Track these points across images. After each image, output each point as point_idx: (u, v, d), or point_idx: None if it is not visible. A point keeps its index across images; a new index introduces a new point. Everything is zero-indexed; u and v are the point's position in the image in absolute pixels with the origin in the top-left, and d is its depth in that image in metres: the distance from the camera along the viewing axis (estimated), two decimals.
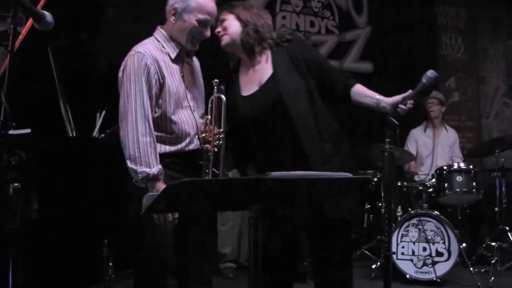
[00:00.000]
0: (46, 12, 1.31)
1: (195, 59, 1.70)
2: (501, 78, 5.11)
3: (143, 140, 1.44)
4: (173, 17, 1.55)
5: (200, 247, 1.58)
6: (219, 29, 1.68)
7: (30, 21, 1.70)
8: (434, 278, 2.88)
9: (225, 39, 1.65)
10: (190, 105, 1.60)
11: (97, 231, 2.06)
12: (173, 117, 1.53)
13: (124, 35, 2.47)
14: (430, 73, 1.58)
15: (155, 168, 1.45)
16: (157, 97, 1.51)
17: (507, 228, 3.22)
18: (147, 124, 1.46)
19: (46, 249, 2.05)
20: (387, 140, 1.47)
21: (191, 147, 1.59)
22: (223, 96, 1.56)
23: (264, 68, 1.65)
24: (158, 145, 1.50)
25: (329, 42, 4.36)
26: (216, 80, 1.57)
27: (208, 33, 1.57)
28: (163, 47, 1.56)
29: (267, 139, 1.63)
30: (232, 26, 1.65)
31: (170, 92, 1.52)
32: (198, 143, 1.60)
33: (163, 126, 1.54)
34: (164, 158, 1.52)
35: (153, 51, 1.52)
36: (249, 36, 1.62)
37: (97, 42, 2.82)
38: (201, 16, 1.53)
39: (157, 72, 1.50)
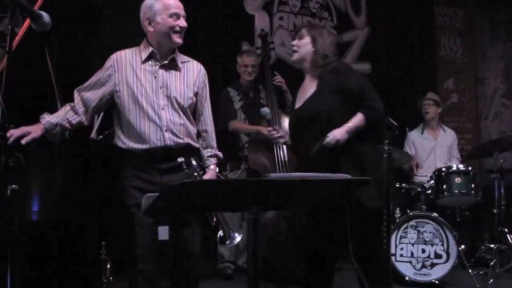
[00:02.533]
0: (43, 13, 1.30)
1: (192, 64, 1.83)
2: (500, 79, 5.11)
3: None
4: (150, 26, 1.74)
5: (183, 244, 1.71)
6: (295, 42, 2.04)
7: (27, 21, 1.69)
8: (433, 280, 2.87)
9: (295, 56, 2.04)
10: (160, 103, 1.71)
11: (95, 233, 2.05)
12: (130, 114, 1.71)
13: (122, 35, 2.47)
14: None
15: (45, 117, 1.72)
16: (112, 88, 1.74)
17: (506, 230, 3.22)
18: (74, 97, 1.78)
19: (44, 251, 2.04)
20: (386, 141, 1.47)
21: (150, 145, 1.70)
22: None
23: (310, 87, 1.99)
24: (124, 140, 1.73)
25: None
26: None
27: (183, 22, 1.73)
28: (140, 51, 1.77)
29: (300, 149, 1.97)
30: (305, 47, 2.00)
31: (127, 88, 1.72)
32: (163, 139, 1.70)
33: (123, 120, 1.74)
34: (128, 154, 1.73)
35: (124, 54, 1.76)
36: (317, 60, 1.97)
37: (95, 42, 2.81)
38: (170, 12, 1.72)
39: (114, 69, 1.74)
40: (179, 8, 1.74)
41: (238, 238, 1.59)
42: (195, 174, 1.63)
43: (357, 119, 1.86)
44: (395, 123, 1.49)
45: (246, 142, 3.05)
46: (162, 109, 1.71)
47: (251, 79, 3.10)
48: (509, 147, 3.30)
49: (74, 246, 2.02)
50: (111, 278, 1.98)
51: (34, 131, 1.64)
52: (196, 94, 1.81)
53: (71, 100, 1.81)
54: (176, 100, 1.73)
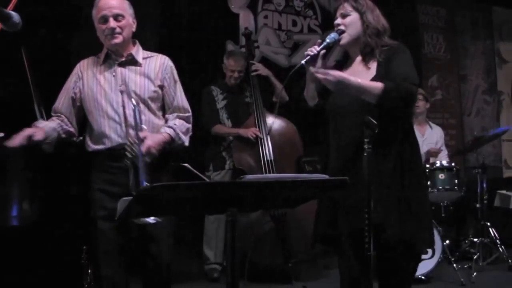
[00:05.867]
0: (13, 13, 1.27)
1: (156, 59, 1.79)
2: (481, 76, 5.20)
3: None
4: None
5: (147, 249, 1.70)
6: (339, 21, 1.67)
7: None
8: (419, 276, 2.90)
9: (345, 38, 1.67)
10: (119, 101, 1.71)
11: (75, 237, 2.01)
12: (92, 116, 1.74)
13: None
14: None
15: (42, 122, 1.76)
16: (79, 95, 1.78)
17: (489, 224, 3.28)
18: (53, 114, 1.81)
19: (24, 255, 1.99)
20: (366, 140, 1.46)
21: (112, 144, 1.70)
22: None
23: (365, 71, 1.66)
24: (89, 143, 1.75)
25: (311, 41, 4.36)
26: None
27: (110, 24, 1.70)
28: (100, 55, 1.79)
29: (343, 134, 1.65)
30: (354, 26, 1.66)
31: (88, 91, 1.74)
32: (124, 136, 1.68)
33: (89, 124, 1.76)
34: (93, 157, 1.74)
35: (87, 61, 1.80)
36: (370, 39, 1.65)
37: (74, 42, 2.76)
38: (98, 17, 1.72)
39: (79, 76, 1.78)
40: (107, 9, 1.70)
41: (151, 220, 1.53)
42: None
43: (371, 83, 1.56)
44: (375, 122, 1.47)
45: (231, 142, 3.03)
46: (122, 106, 1.70)
47: (236, 82, 3.09)
48: (487, 141, 3.36)
49: (54, 251, 1.97)
50: (92, 283, 1.95)
51: (38, 133, 1.62)
52: (161, 87, 1.77)
53: (49, 101, 1.79)
54: (136, 95, 1.71)
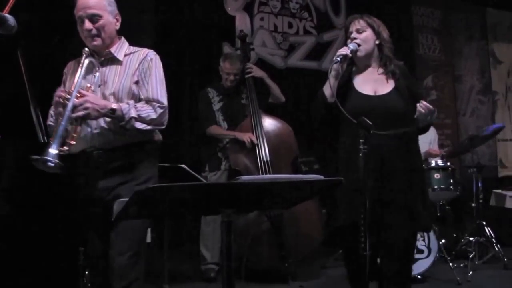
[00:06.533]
0: (8, 16, 1.27)
1: (138, 54, 1.69)
2: (476, 77, 5.24)
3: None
4: None
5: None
6: (355, 35, 1.89)
7: None
8: (416, 275, 2.92)
9: (361, 51, 1.89)
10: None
11: (72, 239, 2.00)
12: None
13: None
14: None
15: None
16: None
17: (484, 223, 3.30)
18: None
19: (21, 257, 1.98)
20: (361, 140, 1.48)
21: (85, 148, 1.60)
22: None
23: (383, 81, 1.90)
24: (65, 147, 1.58)
25: (307, 43, 4.39)
26: None
27: (86, 25, 1.63)
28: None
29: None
30: (370, 42, 1.89)
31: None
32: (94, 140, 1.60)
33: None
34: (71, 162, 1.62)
35: (74, 62, 1.73)
36: (390, 53, 1.91)
37: (69, 45, 2.76)
38: (76, 17, 1.65)
39: (67, 77, 1.73)
40: (82, 9, 1.63)
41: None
42: None
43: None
44: (370, 122, 1.49)
45: (227, 143, 3.04)
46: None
47: (232, 85, 3.10)
48: (483, 141, 3.38)
49: (51, 252, 1.97)
50: (89, 285, 1.94)
51: None
52: (136, 83, 1.66)
53: (45, 104, 1.77)
54: (114, 95, 1.62)
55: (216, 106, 3.09)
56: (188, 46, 3.78)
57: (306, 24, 4.38)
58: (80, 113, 1.50)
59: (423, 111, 1.71)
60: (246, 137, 2.91)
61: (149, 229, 1.56)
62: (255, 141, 2.91)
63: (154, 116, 1.61)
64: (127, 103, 1.58)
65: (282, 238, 2.81)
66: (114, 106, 1.56)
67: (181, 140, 3.70)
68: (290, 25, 4.33)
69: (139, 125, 1.58)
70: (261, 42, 4.18)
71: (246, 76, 3.04)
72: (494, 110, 5.29)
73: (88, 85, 1.59)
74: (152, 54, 1.70)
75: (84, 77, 1.63)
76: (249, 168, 2.92)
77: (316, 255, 3.02)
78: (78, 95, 1.53)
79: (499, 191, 3.99)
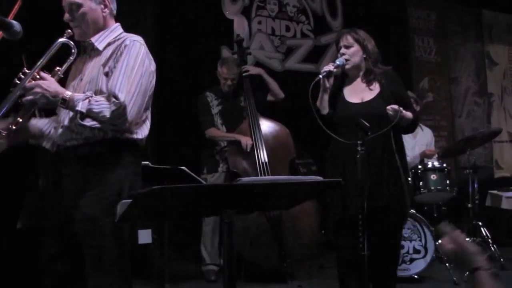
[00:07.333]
0: (14, 21, 1.29)
1: (118, 42, 1.53)
2: (472, 78, 5.29)
3: None
4: None
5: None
6: (344, 51, 2.10)
7: None
8: (412, 275, 2.94)
9: (349, 65, 2.11)
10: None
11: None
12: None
13: None
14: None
15: None
16: None
17: (480, 223, 3.33)
18: None
19: (23, 258, 1.99)
20: (358, 142, 1.51)
21: (58, 145, 1.49)
22: None
23: (368, 89, 2.09)
24: None
25: (304, 46, 4.42)
26: None
27: (65, 16, 1.53)
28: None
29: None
30: (357, 56, 2.10)
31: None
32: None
33: None
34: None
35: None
36: (373, 66, 2.10)
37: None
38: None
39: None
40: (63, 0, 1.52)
41: None
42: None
43: (408, 114, 1.99)
44: (367, 124, 1.52)
45: (225, 146, 3.06)
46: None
47: (230, 89, 3.13)
48: (480, 143, 3.42)
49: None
50: None
51: None
52: (106, 74, 1.48)
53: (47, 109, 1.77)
54: (86, 87, 1.48)
55: (215, 109, 3.12)
56: (187, 49, 3.81)
57: (303, 27, 4.42)
58: (29, 97, 1.34)
59: (390, 112, 1.88)
60: (244, 140, 2.94)
61: (149, 230, 1.54)
62: (250, 146, 2.93)
63: (107, 113, 1.37)
64: (86, 95, 1.40)
65: (281, 238, 2.84)
66: (67, 95, 1.37)
67: (180, 142, 3.72)
68: (287, 29, 4.36)
69: (87, 122, 1.38)
70: (259, 45, 4.21)
71: (244, 75, 3.07)
72: (490, 111, 5.34)
73: (57, 68, 1.46)
74: (128, 40, 1.49)
75: (71, 69, 1.49)
76: (247, 170, 2.94)
77: (314, 255, 3.04)
78: (38, 77, 1.39)
79: (495, 191, 4.02)
